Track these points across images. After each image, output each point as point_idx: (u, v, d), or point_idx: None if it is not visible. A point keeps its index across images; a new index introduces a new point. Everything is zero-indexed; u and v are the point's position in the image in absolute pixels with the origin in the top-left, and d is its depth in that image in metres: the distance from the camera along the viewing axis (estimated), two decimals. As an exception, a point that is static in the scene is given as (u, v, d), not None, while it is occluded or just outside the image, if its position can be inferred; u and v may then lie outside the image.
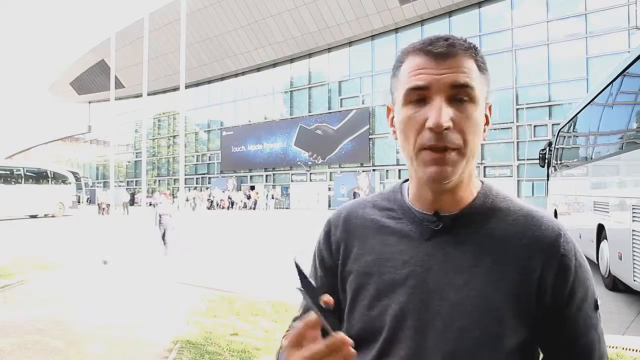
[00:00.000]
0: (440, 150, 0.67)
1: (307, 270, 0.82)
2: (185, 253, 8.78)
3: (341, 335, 0.55)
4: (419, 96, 0.69)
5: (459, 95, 0.68)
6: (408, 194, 0.80)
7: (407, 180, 0.83)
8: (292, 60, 31.62)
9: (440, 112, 0.66)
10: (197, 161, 38.44)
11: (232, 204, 30.04)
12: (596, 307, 0.75)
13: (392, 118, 0.77)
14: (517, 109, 22.83)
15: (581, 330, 0.73)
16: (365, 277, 0.77)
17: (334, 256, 0.83)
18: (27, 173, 21.17)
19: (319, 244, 0.87)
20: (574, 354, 0.73)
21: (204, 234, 13.91)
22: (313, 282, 0.61)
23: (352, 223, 0.83)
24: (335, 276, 0.82)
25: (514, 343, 0.70)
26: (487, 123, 0.76)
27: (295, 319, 0.88)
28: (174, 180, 37.97)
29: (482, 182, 0.80)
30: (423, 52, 0.70)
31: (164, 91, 38.64)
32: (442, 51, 0.68)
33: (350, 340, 0.55)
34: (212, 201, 31.12)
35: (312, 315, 0.57)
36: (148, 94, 19.35)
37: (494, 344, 0.69)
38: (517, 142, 22.68)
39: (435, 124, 0.66)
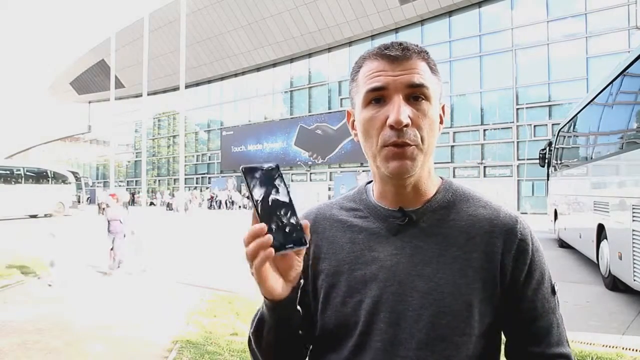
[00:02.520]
0: (401, 145, 0.72)
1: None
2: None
3: (260, 224, 0.63)
4: (378, 96, 0.74)
5: (415, 94, 0.73)
6: (373, 194, 0.84)
7: (371, 181, 0.87)
8: (292, 60, 31.63)
9: (400, 110, 0.71)
10: (197, 161, 38.46)
11: (230, 203, 29.99)
12: (553, 292, 0.80)
13: (353, 121, 0.82)
14: (517, 109, 22.82)
15: (539, 312, 0.77)
16: (336, 276, 0.79)
17: (304, 258, 0.84)
18: (27, 173, 21.16)
19: None
20: (532, 336, 0.77)
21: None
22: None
23: (320, 225, 0.85)
24: (306, 278, 0.83)
25: (482, 327, 0.74)
26: (441, 122, 0.80)
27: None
28: (174, 180, 37.97)
29: (442, 178, 0.85)
30: (379, 56, 0.75)
31: (164, 91, 38.65)
32: (397, 54, 0.74)
33: (264, 227, 0.63)
34: (211, 201, 31.10)
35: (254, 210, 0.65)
36: (148, 94, 19.35)
37: (464, 328, 0.72)
38: (517, 142, 22.67)
39: (396, 120, 0.70)
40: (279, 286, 0.67)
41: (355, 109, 0.79)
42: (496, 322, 0.77)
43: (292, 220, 0.66)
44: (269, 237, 0.63)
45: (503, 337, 0.82)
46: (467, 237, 0.76)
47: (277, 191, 0.66)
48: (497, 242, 0.75)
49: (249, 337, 0.80)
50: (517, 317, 0.77)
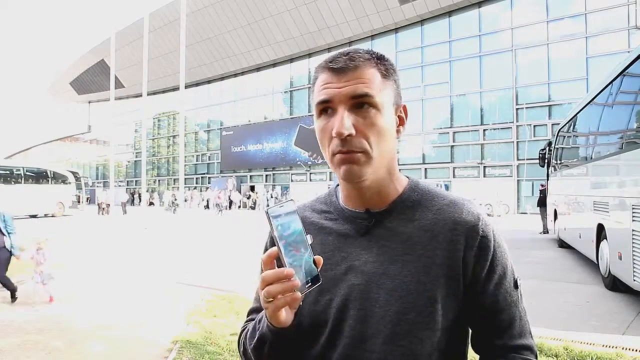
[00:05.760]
0: (346, 153, 0.75)
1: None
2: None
3: (288, 269, 0.65)
4: (325, 108, 0.77)
5: (360, 103, 0.75)
6: (341, 197, 0.88)
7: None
8: (292, 60, 31.64)
9: (342, 122, 0.73)
10: (197, 161, 38.46)
11: (221, 203, 29.93)
12: (516, 286, 0.82)
13: None
14: (517, 109, 22.83)
15: (501, 306, 0.80)
16: None
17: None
18: (27, 173, 21.16)
19: (266, 249, 0.91)
20: (495, 328, 0.80)
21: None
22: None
23: None
24: None
25: (447, 321, 0.77)
26: (402, 124, 0.83)
27: (250, 312, 0.93)
28: (174, 180, 37.98)
29: (408, 178, 0.88)
30: (326, 68, 0.78)
31: (164, 91, 38.65)
32: (341, 66, 0.76)
33: (292, 272, 0.65)
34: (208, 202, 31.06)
35: (274, 248, 0.67)
36: (148, 94, 19.36)
37: (428, 323, 0.76)
38: (517, 142, 22.68)
39: (337, 132, 0.73)
40: (287, 316, 0.71)
41: (314, 119, 0.83)
42: (461, 317, 0.79)
43: (309, 259, 0.68)
44: (296, 283, 0.65)
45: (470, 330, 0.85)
46: (431, 235, 0.79)
47: (296, 229, 0.68)
48: (459, 240, 0.78)
49: (244, 347, 0.84)
50: (481, 311, 0.80)
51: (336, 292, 0.79)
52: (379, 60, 0.79)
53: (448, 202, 0.82)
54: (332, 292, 0.80)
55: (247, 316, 0.94)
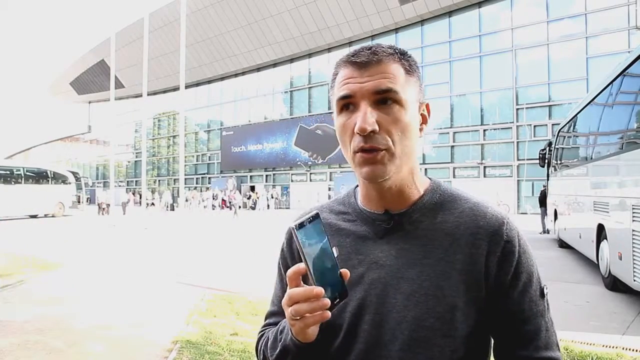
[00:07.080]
0: (369, 151, 0.72)
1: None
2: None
3: (318, 289, 0.62)
4: (347, 104, 0.74)
5: (384, 99, 0.73)
6: (359, 197, 0.85)
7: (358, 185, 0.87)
8: (292, 60, 31.63)
9: (365, 117, 0.71)
10: (197, 161, 38.46)
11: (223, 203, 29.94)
12: (542, 295, 0.78)
13: None
14: (517, 109, 22.82)
15: (526, 315, 0.76)
16: None
17: (297, 261, 0.85)
18: (27, 173, 21.16)
19: (282, 252, 0.90)
20: (519, 339, 0.76)
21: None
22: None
23: None
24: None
25: (467, 329, 0.74)
26: (424, 122, 0.81)
27: (268, 315, 0.92)
28: (174, 180, 37.99)
29: (430, 179, 0.85)
30: (348, 63, 0.75)
31: (164, 91, 38.65)
32: (364, 60, 0.73)
33: (322, 291, 0.62)
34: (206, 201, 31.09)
35: (301, 265, 0.64)
36: (148, 94, 19.36)
37: (447, 330, 0.72)
38: (517, 142, 22.67)
39: (360, 127, 0.71)
40: (313, 331, 0.70)
41: (334, 115, 0.80)
42: (483, 324, 0.76)
43: (336, 274, 0.66)
44: (327, 302, 0.63)
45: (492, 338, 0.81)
46: (452, 239, 0.75)
47: (323, 243, 0.66)
48: (482, 244, 0.75)
49: (263, 355, 0.82)
50: (504, 319, 0.76)
51: (352, 295, 0.76)
52: (402, 55, 0.76)
53: (471, 205, 0.79)
54: (348, 295, 0.78)
55: (265, 319, 0.92)
